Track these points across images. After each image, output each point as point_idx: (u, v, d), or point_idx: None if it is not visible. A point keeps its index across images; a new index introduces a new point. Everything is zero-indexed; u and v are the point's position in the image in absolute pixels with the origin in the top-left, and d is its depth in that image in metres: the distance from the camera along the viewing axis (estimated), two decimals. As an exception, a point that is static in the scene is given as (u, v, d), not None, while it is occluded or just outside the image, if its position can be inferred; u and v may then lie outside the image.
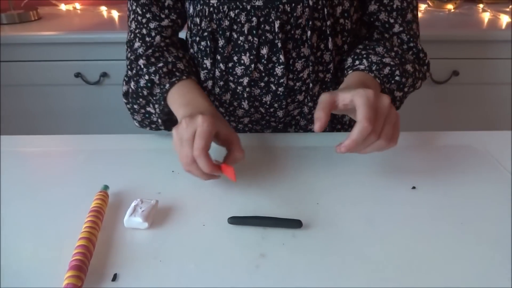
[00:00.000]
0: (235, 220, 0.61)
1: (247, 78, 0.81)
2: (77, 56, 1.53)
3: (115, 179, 0.71)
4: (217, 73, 0.83)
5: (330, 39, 0.79)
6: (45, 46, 1.51)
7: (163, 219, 0.62)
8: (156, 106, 0.78)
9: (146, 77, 0.79)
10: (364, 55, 0.77)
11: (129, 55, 0.84)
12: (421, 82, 0.85)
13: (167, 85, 0.76)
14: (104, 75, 1.56)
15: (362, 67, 0.75)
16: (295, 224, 0.60)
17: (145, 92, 0.79)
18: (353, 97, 0.58)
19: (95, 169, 0.76)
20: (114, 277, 0.52)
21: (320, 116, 0.60)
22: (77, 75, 1.55)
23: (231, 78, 0.83)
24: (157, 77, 0.78)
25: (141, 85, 0.79)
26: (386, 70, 0.76)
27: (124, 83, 0.83)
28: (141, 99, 0.80)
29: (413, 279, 0.52)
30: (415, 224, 0.61)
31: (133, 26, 0.83)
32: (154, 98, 0.79)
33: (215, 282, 0.52)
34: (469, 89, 1.62)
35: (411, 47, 0.84)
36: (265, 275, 0.53)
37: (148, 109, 0.81)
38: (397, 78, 0.76)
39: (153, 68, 0.78)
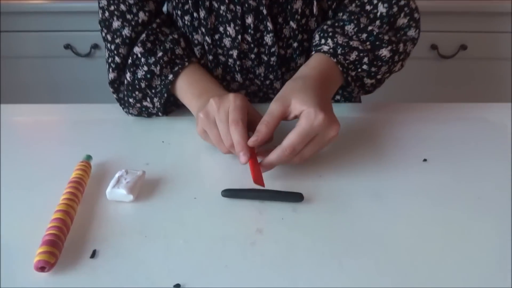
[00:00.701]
0: (230, 193, 0.55)
1: (236, 50, 0.74)
2: (66, 26, 1.45)
3: (100, 149, 0.65)
4: (205, 46, 0.76)
5: (315, 3, 0.72)
6: (31, 15, 1.43)
7: (150, 191, 0.57)
8: (156, 99, 0.71)
9: (145, 68, 0.70)
10: (330, 34, 0.68)
11: (108, 37, 0.72)
12: (402, 63, 0.73)
13: (170, 76, 0.69)
14: (95, 47, 1.48)
15: (326, 48, 0.66)
16: (295, 197, 0.54)
17: (143, 85, 0.70)
18: (302, 116, 0.56)
19: (79, 139, 0.70)
20: (93, 254, 0.47)
21: (261, 131, 0.56)
22: (67, 46, 1.47)
23: (220, 51, 0.76)
24: (158, 68, 0.69)
25: (139, 76, 0.70)
26: (353, 55, 0.67)
27: (111, 70, 0.73)
28: (137, 92, 0.71)
29: (421, 257, 0.47)
30: (425, 199, 0.56)
31: (104, 2, 0.72)
32: (154, 90, 0.72)
33: (206, 260, 0.46)
34: (477, 64, 1.55)
35: (402, 7, 0.71)
36: (262, 252, 0.47)
37: (145, 103, 0.72)
38: (364, 67, 0.68)
39: (153, 59, 0.69)
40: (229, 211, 0.53)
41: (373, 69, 0.69)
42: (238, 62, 0.75)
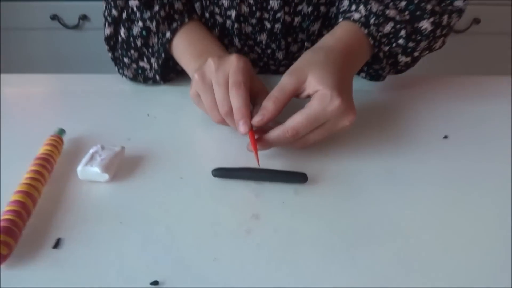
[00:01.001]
0: (221, 173, 0.47)
1: (234, 11, 0.65)
2: (52, -5, 1.35)
3: (77, 123, 0.58)
4: (202, 1, 0.67)
5: None
6: (15, -17, 1.33)
7: (130, 170, 0.49)
8: (153, 60, 0.64)
9: (140, 23, 0.62)
10: None
11: None
12: (445, 39, 0.63)
13: (168, 34, 0.62)
14: (84, 18, 1.38)
15: (356, 16, 0.56)
16: (298, 178, 0.46)
17: (138, 43, 0.63)
18: (315, 97, 0.47)
19: (54, 111, 0.62)
20: (57, 243, 0.39)
21: (268, 108, 0.48)
22: (53, 17, 1.38)
23: (217, 10, 0.67)
24: (154, 24, 0.61)
25: (134, 33, 0.63)
26: (388, 27, 0.57)
27: (107, 24, 0.65)
28: (133, 51, 0.64)
29: (444, 246, 0.39)
30: (445, 180, 0.48)
31: None
32: (151, 50, 0.63)
33: (192, 252, 0.39)
34: (491, 39, 1.45)
35: None
36: (258, 242, 0.40)
37: (141, 64, 0.65)
38: (400, 41, 0.58)
39: (148, 14, 0.61)
40: (220, 193, 0.46)
41: (410, 44, 0.59)
42: (236, 25, 0.66)
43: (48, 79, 0.72)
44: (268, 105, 0.48)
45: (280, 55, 0.71)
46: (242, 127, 0.47)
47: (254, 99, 0.53)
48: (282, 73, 0.52)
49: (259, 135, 0.49)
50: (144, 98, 0.65)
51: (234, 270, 0.37)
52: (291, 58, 0.72)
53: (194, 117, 0.60)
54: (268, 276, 0.37)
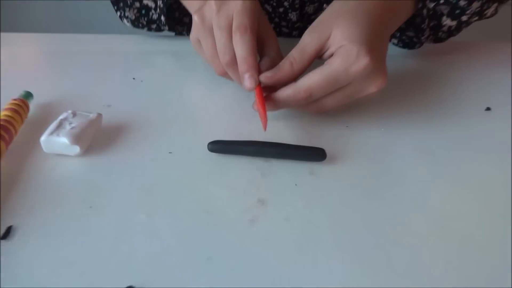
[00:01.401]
0: (220, 147, 0.38)
1: None
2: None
3: (49, 86, 0.49)
4: None
5: None
6: None
7: (107, 142, 0.40)
8: None
9: None
10: None
11: None
12: (498, 7, 0.52)
13: None
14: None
15: None
16: (314, 154, 0.37)
17: None
18: (338, 53, 0.38)
19: (24, 73, 0.53)
20: (7, 232, 0.31)
21: (283, 69, 0.40)
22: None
23: None
24: None
25: None
26: None
27: None
28: None
29: (499, 232, 0.31)
30: (488, 155, 0.39)
31: None
32: None
33: (179, 249, 0.30)
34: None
35: None
36: (265, 235, 0.31)
37: (145, 1, 0.56)
38: None
39: None
40: (217, 172, 0.37)
41: (461, 3, 0.48)
42: None
43: (22, 37, 0.62)
44: (284, 66, 0.39)
45: (293, 16, 0.61)
46: (248, 81, 0.39)
47: (261, 48, 0.44)
48: (295, 37, 0.43)
49: (267, 93, 0.40)
50: (130, 60, 0.56)
51: (234, 272, 0.29)
52: (306, 21, 0.62)
53: (188, 82, 0.51)
54: (277, 279, 0.28)
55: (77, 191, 0.34)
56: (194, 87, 0.49)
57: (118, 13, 0.59)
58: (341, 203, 0.34)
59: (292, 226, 0.32)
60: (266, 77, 0.39)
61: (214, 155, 0.38)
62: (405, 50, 0.58)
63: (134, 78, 0.51)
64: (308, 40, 0.40)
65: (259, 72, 0.40)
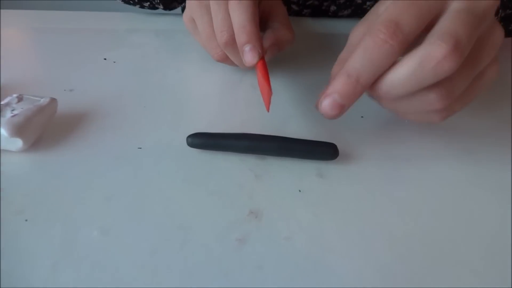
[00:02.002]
0: (203, 141, 0.30)
1: None
2: None
3: (2, 68, 0.40)
4: None
5: None
6: None
7: (62, 135, 0.32)
8: None
9: None
10: None
11: None
12: None
13: None
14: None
15: None
16: (324, 151, 0.29)
17: None
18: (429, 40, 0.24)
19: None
20: None
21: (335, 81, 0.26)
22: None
23: None
24: None
25: None
26: None
27: None
28: None
29: None
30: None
31: None
32: None
33: (139, 275, 0.22)
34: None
35: None
36: (258, 259, 0.23)
37: None
38: None
39: None
40: (198, 174, 0.29)
41: None
42: None
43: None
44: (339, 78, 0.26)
45: None
46: (249, 55, 0.31)
47: (266, 22, 0.36)
48: (305, 16, 0.35)
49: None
50: (103, 39, 0.47)
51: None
52: None
53: (171, 64, 0.42)
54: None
55: (11, 198, 0.26)
56: (178, 70, 0.41)
57: None
58: (359, 215, 0.26)
59: (295, 247, 0.24)
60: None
61: (194, 151, 0.30)
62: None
63: (105, 59, 0.43)
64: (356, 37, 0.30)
65: (262, 47, 0.32)
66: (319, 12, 0.54)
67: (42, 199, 0.26)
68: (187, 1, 0.38)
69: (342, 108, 0.25)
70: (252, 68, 0.36)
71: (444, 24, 0.24)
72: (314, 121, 0.34)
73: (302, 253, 0.23)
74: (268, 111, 0.30)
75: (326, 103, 0.25)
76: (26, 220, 0.25)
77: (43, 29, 0.49)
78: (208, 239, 0.24)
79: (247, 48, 0.31)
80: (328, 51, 0.31)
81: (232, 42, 0.33)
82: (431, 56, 0.23)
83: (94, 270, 0.22)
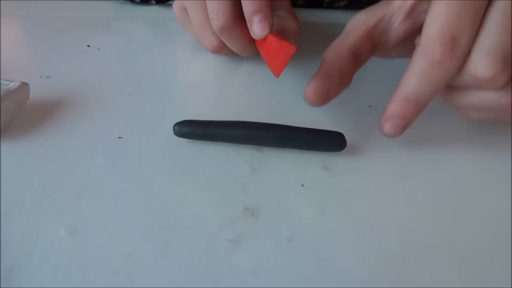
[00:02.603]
0: (191, 129, 0.26)
1: None
2: None
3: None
4: None
5: None
6: None
7: (33, 123, 0.28)
8: None
9: None
10: None
11: None
12: None
13: None
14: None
15: None
16: (330, 141, 0.26)
17: None
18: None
19: None
20: None
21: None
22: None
23: None
24: None
25: None
26: None
27: None
28: None
29: None
30: None
31: None
32: None
33: (116, 279, 0.18)
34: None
35: None
36: (252, 264, 0.19)
37: None
38: None
39: None
40: (185, 166, 0.25)
41: None
42: None
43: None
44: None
45: None
46: (258, 25, 0.27)
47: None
48: (299, 7, 0.31)
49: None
50: (88, 26, 0.44)
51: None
52: None
53: (158, 51, 0.39)
54: None
55: (-33, 192, 0.22)
56: (167, 58, 0.38)
57: None
58: (370, 212, 0.22)
59: (297, 249, 0.20)
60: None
61: (182, 141, 0.27)
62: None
63: (88, 46, 0.39)
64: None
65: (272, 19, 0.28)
66: (313, 2, 0.51)
67: (3, 193, 0.22)
68: None
69: (404, 128, 0.24)
70: (252, 54, 0.33)
71: (490, 35, 0.22)
72: (316, 110, 0.30)
73: (305, 256, 0.20)
74: (277, 76, 0.26)
75: (389, 127, 0.24)
76: (-16, 217, 0.21)
77: (26, 17, 0.45)
78: (195, 240, 0.20)
79: (256, 18, 0.27)
80: (327, 39, 0.28)
81: (229, 26, 0.30)
82: (479, 78, 0.22)
83: (56, 276, 0.18)
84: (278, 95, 0.32)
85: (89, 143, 0.26)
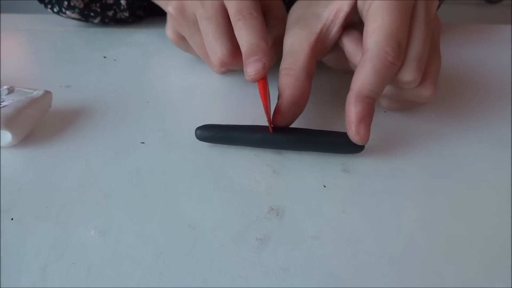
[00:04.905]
0: (213, 133, 0.27)
1: None
2: None
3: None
4: None
5: None
6: None
7: (57, 129, 0.29)
8: None
9: None
10: None
11: None
12: None
13: None
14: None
15: None
16: (348, 143, 0.26)
17: None
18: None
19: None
20: None
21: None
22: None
23: None
24: None
25: None
26: None
27: None
28: None
29: None
30: None
31: None
32: None
33: (147, 278, 0.19)
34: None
35: None
36: (281, 260, 0.20)
37: None
38: None
39: None
40: (210, 169, 0.26)
41: None
42: None
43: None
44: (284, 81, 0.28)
45: None
46: (253, 66, 0.26)
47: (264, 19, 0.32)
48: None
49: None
50: (104, 38, 0.45)
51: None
52: None
53: (175, 61, 0.40)
54: None
55: (-3, 195, 0.23)
56: (182, 68, 0.38)
57: (56, 8, 0.46)
58: (394, 212, 0.23)
59: (324, 247, 0.20)
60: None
61: (204, 145, 0.27)
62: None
63: (105, 57, 0.40)
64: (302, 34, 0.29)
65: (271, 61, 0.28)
66: None
67: (31, 197, 0.23)
68: (168, 17, 0.34)
69: (370, 125, 0.25)
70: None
71: (415, 45, 0.26)
72: (332, 116, 0.31)
73: (333, 253, 0.20)
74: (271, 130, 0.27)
75: (364, 130, 0.25)
76: (12, 219, 0.21)
77: (43, 31, 0.46)
78: (223, 239, 0.21)
79: (251, 59, 0.27)
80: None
81: (227, 60, 0.31)
82: (402, 81, 0.27)
83: (90, 274, 0.19)
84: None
85: (113, 149, 0.27)
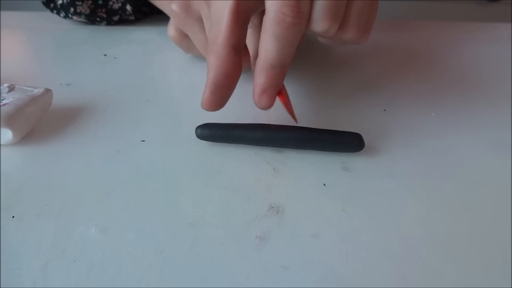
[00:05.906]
0: (213, 132, 0.27)
1: None
2: None
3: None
4: None
5: None
6: None
7: (57, 127, 0.29)
8: None
9: None
10: None
11: None
12: None
13: None
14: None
15: None
16: (348, 142, 0.26)
17: None
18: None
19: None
20: None
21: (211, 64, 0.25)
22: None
23: None
24: None
25: None
26: None
27: None
28: None
29: None
30: None
31: None
32: None
33: (147, 276, 0.19)
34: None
35: None
36: (282, 259, 0.20)
37: None
38: None
39: None
40: (210, 167, 0.26)
41: None
42: None
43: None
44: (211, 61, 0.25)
45: None
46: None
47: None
48: None
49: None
50: (104, 36, 0.45)
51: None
52: None
53: (175, 60, 0.40)
54: None
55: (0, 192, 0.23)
56: (182, 66, 0.38)
57: (62, 13, 0.47)
58: (394, 211, 0.23)
59: (324, 245, 0.21)
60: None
61: (204, 143, 0.27)
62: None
63: (105, 55, 0.40)
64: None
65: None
66: None
67: (32, 195, 0.23)
68: (172, 15, 0.33)
69: (276, 95, 0.24)
70: None
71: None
72: (333, 114, 0.31)
73: (333, 251, 0.20)
74: (296, 121, 0.26)
75: (266, 100, 0.24)
76: (13, 217, 0.21)
77: (43, 29, 0.46)
78: (223, 236, 0.21)
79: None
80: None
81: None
82: (318, 32, 0.25)
83: (91, 271, 0.19)
84: (294, 98, 0.33)
85: (113, 146, 0.27)
